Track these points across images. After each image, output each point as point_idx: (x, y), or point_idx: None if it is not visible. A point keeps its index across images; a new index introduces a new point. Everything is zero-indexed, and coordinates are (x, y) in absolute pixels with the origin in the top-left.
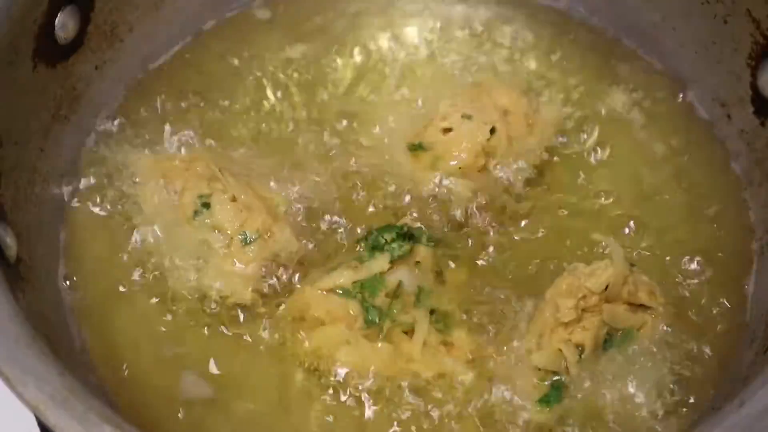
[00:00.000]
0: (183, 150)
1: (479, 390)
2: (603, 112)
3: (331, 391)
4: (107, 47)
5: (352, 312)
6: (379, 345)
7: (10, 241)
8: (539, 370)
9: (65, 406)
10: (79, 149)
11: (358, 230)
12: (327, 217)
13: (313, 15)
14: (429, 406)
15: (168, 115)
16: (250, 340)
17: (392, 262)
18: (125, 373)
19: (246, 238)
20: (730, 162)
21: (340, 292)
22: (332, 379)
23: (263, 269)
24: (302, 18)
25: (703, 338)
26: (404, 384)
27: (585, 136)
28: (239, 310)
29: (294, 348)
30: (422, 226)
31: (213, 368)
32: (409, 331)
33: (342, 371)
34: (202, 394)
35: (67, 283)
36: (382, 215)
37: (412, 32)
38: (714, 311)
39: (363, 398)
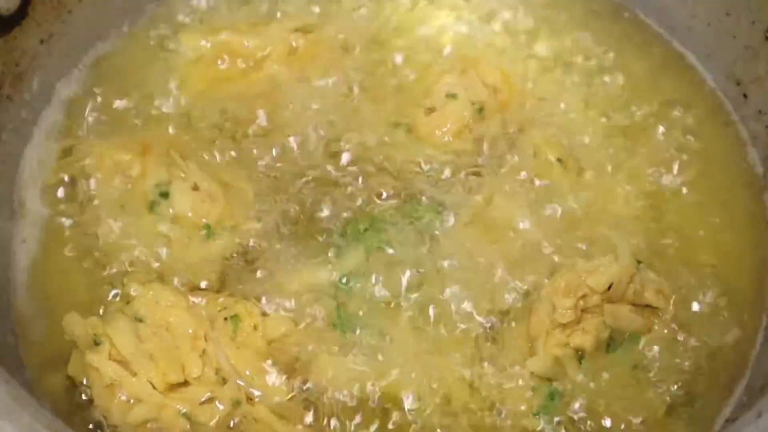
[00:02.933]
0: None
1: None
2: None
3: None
4: (54, 18)
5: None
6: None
7: None
8: (533, 375)
9: (10, 417)
10: (23, 134)
11: (326, 213)
12: (297, 203)
13: None
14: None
15: (123, 95)
16: None
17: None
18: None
19: (209, 231)
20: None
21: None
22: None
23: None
24: None
25: (716, 341)
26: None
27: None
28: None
29: None
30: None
31: None
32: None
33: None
34: None
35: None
36: (362, 200)
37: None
38: (727, 312)
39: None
